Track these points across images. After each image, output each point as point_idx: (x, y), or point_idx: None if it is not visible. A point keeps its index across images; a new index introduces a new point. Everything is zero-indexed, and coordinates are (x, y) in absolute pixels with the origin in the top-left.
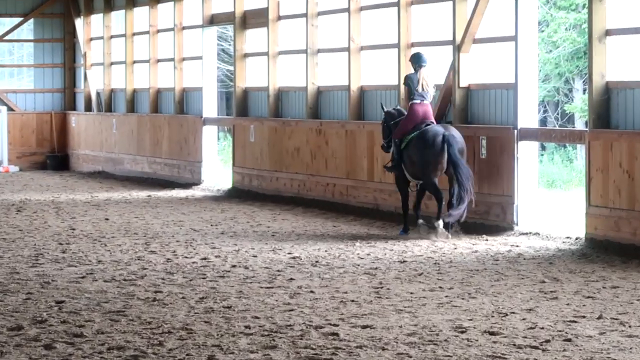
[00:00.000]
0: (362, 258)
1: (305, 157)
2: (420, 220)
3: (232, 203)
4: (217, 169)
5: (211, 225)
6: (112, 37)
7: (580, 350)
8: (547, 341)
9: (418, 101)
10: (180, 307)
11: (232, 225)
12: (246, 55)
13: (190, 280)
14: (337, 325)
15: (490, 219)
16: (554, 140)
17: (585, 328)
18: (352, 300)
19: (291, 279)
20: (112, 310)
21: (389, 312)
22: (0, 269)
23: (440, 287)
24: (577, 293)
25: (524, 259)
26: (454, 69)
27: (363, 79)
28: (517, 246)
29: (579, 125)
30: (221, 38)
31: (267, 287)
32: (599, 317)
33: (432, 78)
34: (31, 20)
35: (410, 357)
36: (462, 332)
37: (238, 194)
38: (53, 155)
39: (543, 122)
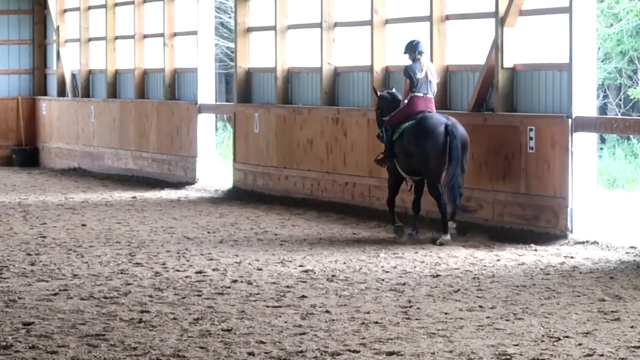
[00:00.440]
0: (387, 272)
1: (319, 151)
2: (412, 232)
3: (232, 206)
4: (214, 165)
5: (208, 232)
6: (90, 7)
7: None
8: None
9: (420, 94)
10: (171, 330)
11: (232, 233)
12: (249, 30)
13: (183, 297)
14: (358, 352)
15: (540, 225)
16: (615, 131)
17: None
18: (376, 322)
19: (303, 296)
20: (90, 334)
21: (419, 336)
22: None
23: (480, 307)
24: None
25: (580, 272)
26: (497, 47)
27: (388, 58)
28: (572, 257)
29: None
30: (220, 9)
31: (275, 306)
32: None
33: (434, 68)
34: None
35: None
36: None
37: (240, 195)
38: (19, 149)
39: (602, 109)
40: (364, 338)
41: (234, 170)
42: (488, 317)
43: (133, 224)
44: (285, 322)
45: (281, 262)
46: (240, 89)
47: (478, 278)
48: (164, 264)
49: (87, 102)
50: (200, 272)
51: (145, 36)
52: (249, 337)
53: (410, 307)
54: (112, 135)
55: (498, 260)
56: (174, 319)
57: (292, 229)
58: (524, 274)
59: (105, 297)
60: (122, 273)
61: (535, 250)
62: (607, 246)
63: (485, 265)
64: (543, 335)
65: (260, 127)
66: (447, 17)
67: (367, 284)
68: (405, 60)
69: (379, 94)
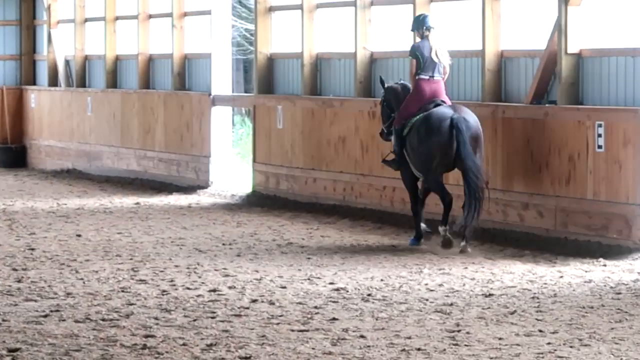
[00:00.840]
0: (432, 290)
1: (353, 151)
2: (423, 225)
3: (252, 214)
4: (231, 166)
5: (223, 244)
6: None
7: None
8: None
9: (426, 77)
10: (179, 358)
11: (252, 245)
12: (272, 10)
13: (194, 320)
14: None
15: (610, 236)
16: None
17: None
18: (418, 349)
19: (334, 319)
20: None
21: None
22: None
23: (541, 331)
24: None
25: None
26: (560, 29)
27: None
28: None
29: None
30: None
31: (301, 330)
32: None
33: (445, 47)
34: None
35: None
36: None
37: (260, 201)
38: (4, 147)
39: None
40: None
41: (253, 172)
42: (549, 344)
43: (136, 235)
44: (313, 348)
45: (308, 279)
46: (261, 77)
47: (538, 298)
48: (171, 280)
49: (82, 93)
50: (214, 290)
51: (150, 16)
52: None
53: (459, 331)
54: (112, 131)
55: (561, 277)
56: (184, 345)
57: (321, 241)
58: (591, 293)
59: (103, 320)
60: (123, 291)
61: (604, 265)
62: None
63: (545, 283)
64: None
65: (284, 122)
66: None
67: (409, 305)
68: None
69: (386, 85)
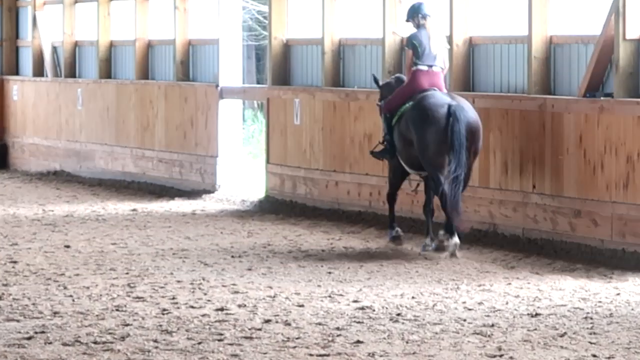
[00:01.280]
0: (470, 309)
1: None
2: (428, 243)
3: (264, 222)
4: (241, 167)
5: (232, 256)
6: None
7: None
8: None
9: (425, 68)
10: None
11: (264, 257)
12: None
13: (199, 343)
14: None
15: None
16: None
17: None
18: None
19: (358, 341)
20: None
21: None
22: None
23: (595, 356)
24: None
25: None
26: (617, 11)
27: (472, 27)
28: None
29: None
30: None
31: (321, 355)
32: None
33: (442, 35)
34: None
35: None
36: None
37: (274, 208)
38: None
39: None
40: None
41: (267, 174)
42: None
43: (133, 246)
44: None
45: (329, 297)
46: (276, 66)
47: (591, 318)
48: (173, 298)
49: (72, 84)
50: (221, 309)
51: None
52: None
53: (501, 356)
54: (106, 127)
55: (618, 294)
56: None
57: (344, 252)
58: None
59: (95, 343)
60: (118, 310)
61: None
62: None
63: (600, 301)
64: None
65: (302, 118)
66: None
67: (444, 326)
68: (486, 30)
69: (380, 82)
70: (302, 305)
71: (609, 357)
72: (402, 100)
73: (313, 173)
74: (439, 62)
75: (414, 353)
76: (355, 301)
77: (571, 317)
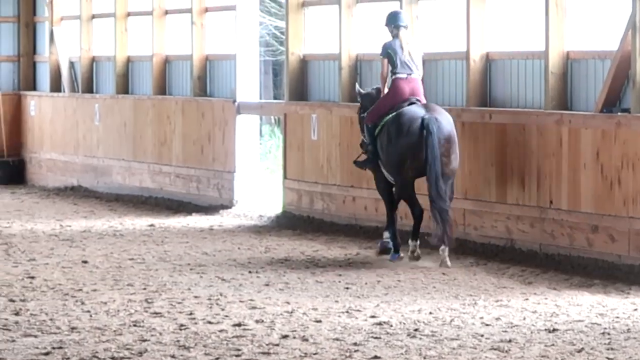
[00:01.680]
0: (488, 324)
1: None
2: (386, 234)
3: (282, 237)
4: (258, 183)
5: (249, 272)
6: None
7: None
8: None
9: (404, 76)
10: None
11: (282, 273)
12: (305, 4)
13: (216, 359)
14: None
15: None
16: None
17: None
18: None
19: (375, 357)
20: None
21: None
22: None
23: None
24: None
25: None
26: (634, 26)
27: (489, 42)
28: None
29: None
30: None
31: None
32: None
33: (417, 44)
34: None
35: None
36: None
37: (292, 223)
38: (0, 162)
39: None
40: None
41: (284, 189)
42: None
43: (150, 261)
44: None
45: (347, 312)
46: (293, 82)
47: (609, 333)
48: (191, 313)
49: (89, 100)
50: (239, 324)
51: (167, 12)
52: None
53: None
54: (123, 143)
55: (635, 309)
56: None
57: (361, 268)
58: None
59: (112, 358)
60: (135, 325)
61: None
62: None
63: (618, 317)
64: None
65: (319, 133)
66: None
67: (461, 341)
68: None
69: (362, 92)
70: (319, 321)
71: None
72: (385, 110)
73: (330, 188)
74: (415, 69)
75: None
76: (372, 316)
77: (589, 332)
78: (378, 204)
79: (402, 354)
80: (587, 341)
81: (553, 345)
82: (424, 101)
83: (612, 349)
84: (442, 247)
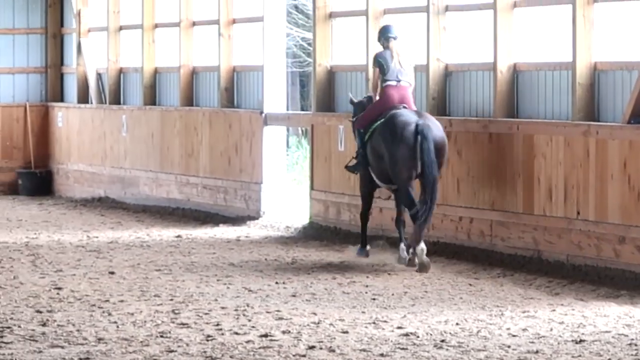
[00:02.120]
0: (514, 335)
1: None
2: (402, 245)
3: (309, 248)
4: (285, 194)
5: (276, 282)
6: None
7: None
8: None
9: (394, 83)
10: None
11: (309, 284)
12: (332, 16)
13: None
14: None
15: None
16: None
17: None
18: None
19: None
20: None
21: None
22: None
23: None
24: None
25: None
26: None
27: (516, 53)
28: None
29: None
30: None
31: None
32: None
33: (408, 54)
34: None
35: None
36: None
37: (319, 234)
38: (28, 173)
39: None
40: None
41: (311, 200)
42: None
43: (177, 272)
44: None
45: (373, 323)
46: (320, 93)
47: (636, 344)
48: (217, 324)
49: (116, 111)
50: (265, 335)
51: (194, 23)
52: None
53: None
54: (150, 154)
55: None
56: None
57: (387, 279)
58: None
59: None
60: (162, 336)
61: None
62: None
63: None
64: None
65: (346, 144)
66: None
67: (488, 352)
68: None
69: (355, 101)
70: (346, 332)
71: None
72: (375, 116)
73: (357, 199)
74: (405, 78)
75: None
76: (399, 327)
77: (616, 343)
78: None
79: None
80: (614, 352)
81: (580, 356)
82: (413, 108)
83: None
84: (422, 246)
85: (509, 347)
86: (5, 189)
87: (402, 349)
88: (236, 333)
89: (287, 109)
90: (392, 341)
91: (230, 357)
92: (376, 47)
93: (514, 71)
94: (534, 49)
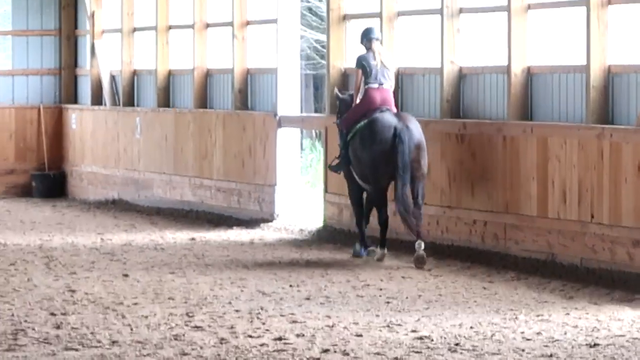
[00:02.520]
0: (528, 339)
1: (439, 179)
2: (372, 247)
3: (323, 250)
4: (299, 197)
5: (290, 285)
6: None
7: None
8: None
9: (375, 85)
10: None
11: (323, 287)
12: (346, 18)
13: None
14: None
15: None
16: None
17: None
18: None
19: None
20: None
21: None
22: None
23: None
24: None
25: None
26: None
27: (531, 56)
28: None
29: None
30: None
31: None
32: None
33: (390, 56)
34: None
35: None
36: None
37: (332, 237)
38: (42, 175)
39: None
40: None
41: (325, 203)
42: None
43: (191, 275)
44: None
45: (387, 326)
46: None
47: None
48: (231, 327)
49: (130, 113)
50: (279, 338)
51: (208, 25)
52: None
53: None
54: (164, 156)
55: None
56: None
57: (402, 282)
58: None
59: None
60: (176, 339)
61: None
62: None
63: None
64: None
65: None
66: (610, 1)
67: (502, 356)
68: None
69: (340, 96)
70: (360, 335)
71: None
72: (357, 118)
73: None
74: (387, 80)
75: None
76: (413, 331)
77: (630, 347)
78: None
79: None
80: (628, 356)
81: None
82: (394, 110)
83: None
84: (418, 241)
85: (523, 350)
86: (18, 191)
87: (416, 352)
88: (250, 336)
89: (301, 111)
90: (406, 344)
91: None
92: (387, 49)
93: (528, 74)
94: (548, 52)
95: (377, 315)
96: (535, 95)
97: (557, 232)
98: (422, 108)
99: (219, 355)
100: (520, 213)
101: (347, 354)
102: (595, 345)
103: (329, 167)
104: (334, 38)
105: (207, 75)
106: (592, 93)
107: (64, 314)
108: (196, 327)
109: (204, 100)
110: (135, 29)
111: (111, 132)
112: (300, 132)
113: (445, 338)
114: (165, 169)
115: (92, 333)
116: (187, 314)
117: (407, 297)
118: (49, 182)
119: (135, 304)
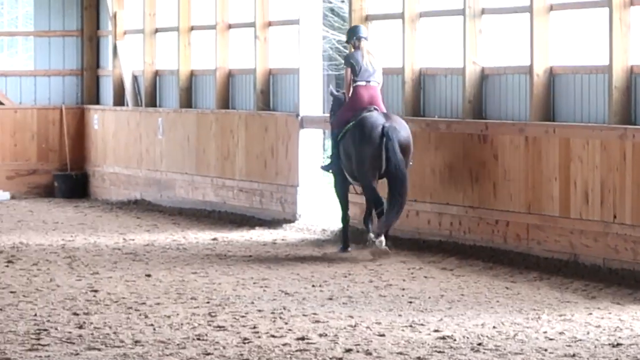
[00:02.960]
0: (551, 339)
1: (461, 180)
2: (371, 235)
3: (345, 250)
4: (321, 197)
5: (312, 285)
6: None
7: None
8: None
9: (363, 83)
10: None
11: (345, 287)
12: (368, 19)
13: None
14: None
15: None
16: None
17: None
18: None
19: None
20: None
21: None
22: None
23: None
24: None
25: None
26: None
27: (553, 57)
28: None
29: None
30: None
31: None
32: None
33: (378, 55)
34: None
35: None
36: None
37: (355, 237)
38: (64, 175)
39: None
40: None
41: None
42: None
43: (213, 275)
44: None
45: (410, 326)
46: None
47: None
48: (254, 327)
49: (152, 114)
50: (302, 338)
51: (230, 26)
52: None
53: None
54: (186, 157)
55: None
56: None
57: (424, 282)
58: None
59: None
60: (199, 339)
61: None
62: None
63: None
64: None
65: None
66: (632, 2)
67: (525, 355)
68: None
69: (334, 94)
70: (383, 335)
71: None
72: (347, 117)
73: None
74: (375, 78)
75: None
76: (436, 331)
77: None
78: (441, 218)
79: None
80: None
81: (617, 359)
82: (382, 109)
83: None
84: (381, 238)
85: (545, 350)
86: (41, 191)
87: (439, 352)
88: (273, 336)
89: (323, 112)
90: (429, 344)
91: (267, 359)
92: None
93: (550, 74)
94: (570, 52)
95: (400, 315)
96: (558, 96)
97: (580, 233)
98: (444, 109)
99: (241, 355)
100: (542, 213)
101: (370, 354)
102: (618, 345)
103: (320, 167)
104: None
105: (229, 75)
106: (615, 94)
107: (86, 314)
108: (219, 327)
109: (226, 100)
110: (157, 30)
111: (133, 133)
112: (323, 133)
113: (467, 338)
114: (187, 170)
115: (114, 333)
116: (209, 314)
117: (429, 297)
118: (71, 182)
119: (158, 303)
